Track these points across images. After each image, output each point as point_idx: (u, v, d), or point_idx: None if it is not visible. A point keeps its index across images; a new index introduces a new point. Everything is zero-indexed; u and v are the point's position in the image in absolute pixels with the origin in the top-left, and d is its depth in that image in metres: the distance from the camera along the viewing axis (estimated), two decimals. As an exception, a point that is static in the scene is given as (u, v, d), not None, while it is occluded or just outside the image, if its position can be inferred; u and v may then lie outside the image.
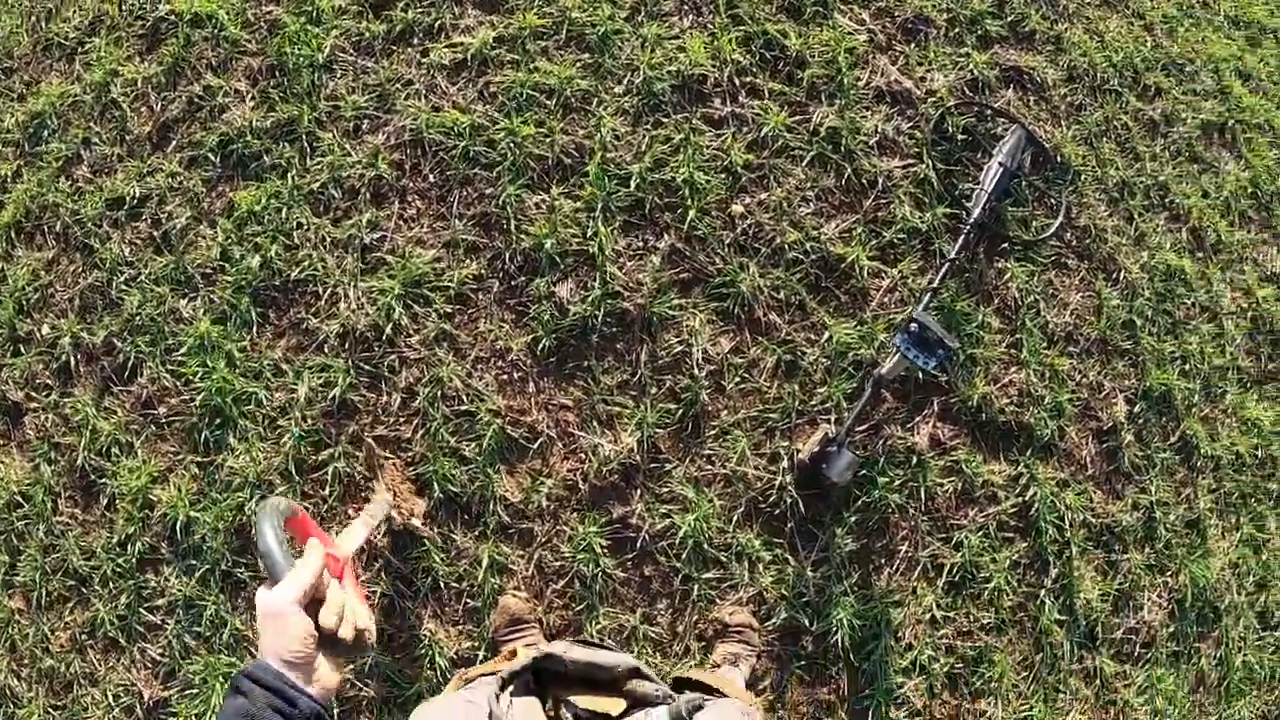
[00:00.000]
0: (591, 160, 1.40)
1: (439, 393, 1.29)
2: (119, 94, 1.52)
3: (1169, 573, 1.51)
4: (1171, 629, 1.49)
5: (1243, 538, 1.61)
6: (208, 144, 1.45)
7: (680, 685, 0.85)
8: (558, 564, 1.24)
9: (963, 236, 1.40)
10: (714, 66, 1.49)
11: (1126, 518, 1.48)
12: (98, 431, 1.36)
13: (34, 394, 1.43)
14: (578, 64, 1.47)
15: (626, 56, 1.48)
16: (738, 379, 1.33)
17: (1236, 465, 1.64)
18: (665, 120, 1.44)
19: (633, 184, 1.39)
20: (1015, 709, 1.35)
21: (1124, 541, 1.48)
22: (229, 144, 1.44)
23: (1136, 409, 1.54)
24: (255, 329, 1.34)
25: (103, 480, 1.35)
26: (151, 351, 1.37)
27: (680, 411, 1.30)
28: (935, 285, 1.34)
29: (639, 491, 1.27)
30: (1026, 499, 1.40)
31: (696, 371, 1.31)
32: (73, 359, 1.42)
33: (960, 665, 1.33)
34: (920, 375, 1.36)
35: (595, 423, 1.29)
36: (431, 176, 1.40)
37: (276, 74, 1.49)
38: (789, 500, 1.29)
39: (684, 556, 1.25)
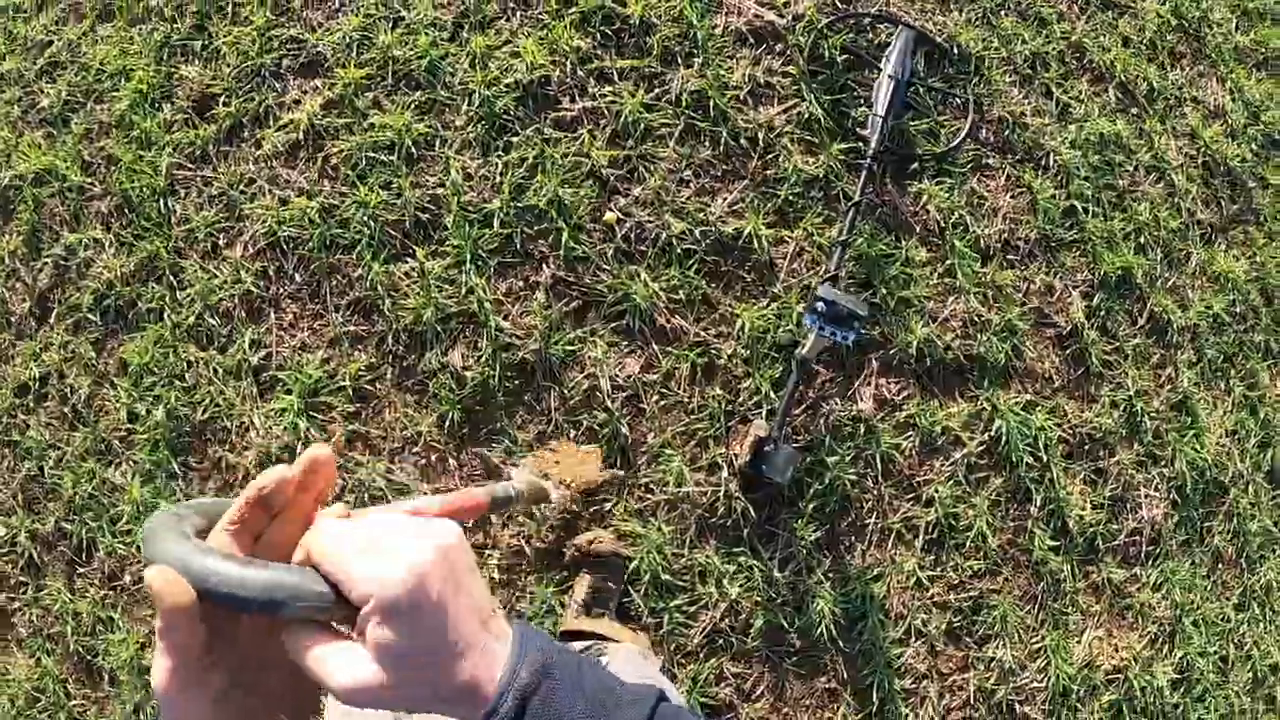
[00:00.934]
0: (448, 210, 1.25)
1: (365, 496, 1.21)
2: (-30, 273, 1.41)
3: (1162, 463, 1.38)
4: (1176, 519, 1.37)
5: (1235, 401, 1.46)
6: (84, 304, 1.34)
7: (570, 637, 0.77)
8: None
9: (864, 172, 1.22)
10: (554, 62, 1.30)
11: (1105, 420, 1.35)
12: (79, 614, 1.33)
13: (12, 594, 1.41)
14: (411, 106, 1.30)
15: (459, 81, 1.30)
16: (656, 397, 1.21)
17: (1215, 328, 1.47)
18: (515, 140, 1.28)
19: (496, 222, 1.24)
20: (1026, 644, 1.27)
21: (1108, 445, 1.35)
22: (103, 299, 1.34)
23: (1095, 302, 1.37)
24: (182, 478, 1.27)
25: (98, 659, 1.33)
26: (99, 526, 1.32)
27: (606, 449, 1.20)
28: (845, 238, 1.18)
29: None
30: (993, 433, 1.27)
31: (610, 403, 1.20)
32: (33, 552, 1.37)
33: (958, 618, 1.25)
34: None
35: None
36: (298, 276, 1.28)
37: (125, 212, 1.36)
38: (739, 508, 1.19)
39: (645, 591, 1.17)
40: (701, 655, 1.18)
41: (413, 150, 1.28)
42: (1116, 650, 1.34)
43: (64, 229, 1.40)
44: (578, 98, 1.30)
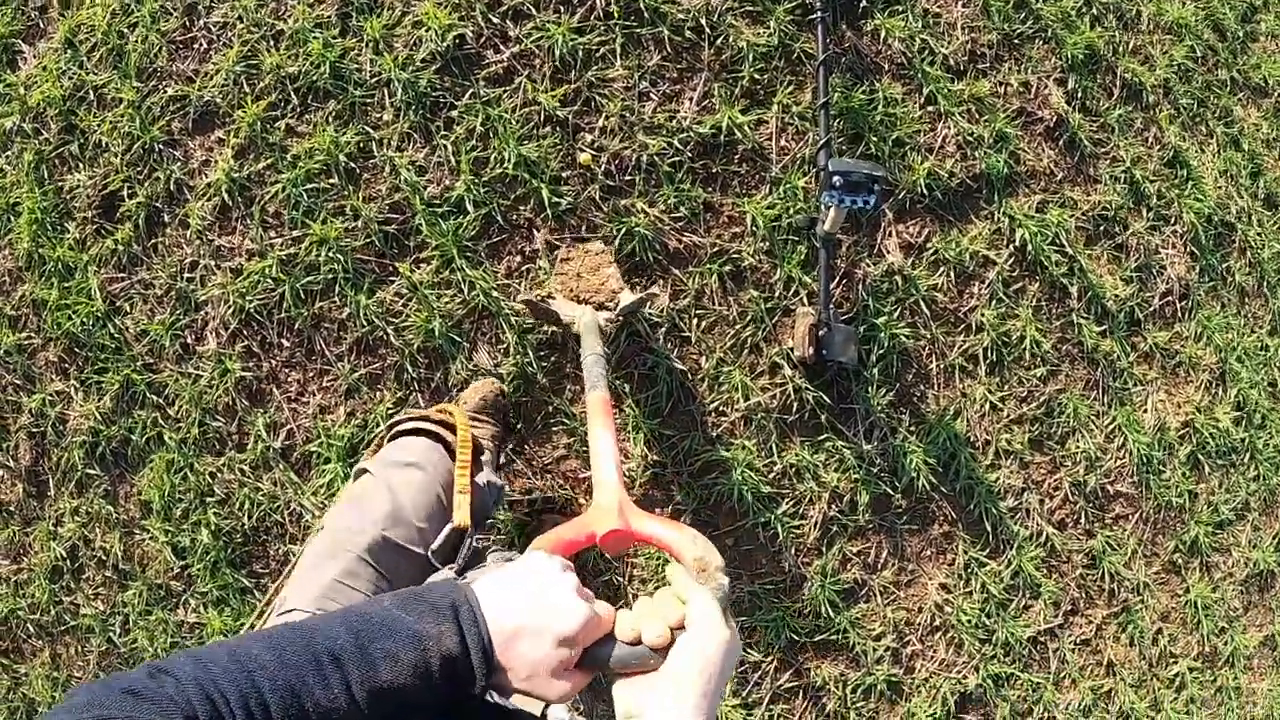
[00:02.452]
0: (413, 212, 1.09)
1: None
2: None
3: (1172, 221, 1.34)
4: (1198, 269, 1.35)
5: (1219, 141, 1.42)
6: (77, 462, 1.18)
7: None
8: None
9: (820, 25, 1.09)
10: (462, 17, 1.12)
11: (1112, 196, 1.29)
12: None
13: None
14: (329, 120, 1.11)
15: (370, 75, 1.11)
16: (694, 320, 1.11)
17: (1183, 75, 1.41)
18: (454, 114, 1.11)
19: (469, 206, 1.09)
20: (1101, 429, 1.25)
21: (1120, 220, 1.29)
22: (94, 448, 1.18)
23: (1071, 85, 1.29)
24: (255, 588, 1.14)
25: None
26: (172, 649, 1.19)
27: (662, 389, 1.10)
28: (824, 100, 1.06)
29: (674, 483, 1.11)
30: (1016, 243, 1.20)
31: (652, 344, 1.09)
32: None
33: (1035, 426, 1.22)
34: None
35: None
36: (285, 341, 1.12)
37: (76, 352, 1.18)
38: (811, 399, 1.11)
39: (746, 510, 1.10)
40: (821, 548, 1.13)
41: (350, 166, 1.11)
42: (1179, 407, 1.33)
43: (21, 395, 1.20)
44: (502, 46, 1.12)
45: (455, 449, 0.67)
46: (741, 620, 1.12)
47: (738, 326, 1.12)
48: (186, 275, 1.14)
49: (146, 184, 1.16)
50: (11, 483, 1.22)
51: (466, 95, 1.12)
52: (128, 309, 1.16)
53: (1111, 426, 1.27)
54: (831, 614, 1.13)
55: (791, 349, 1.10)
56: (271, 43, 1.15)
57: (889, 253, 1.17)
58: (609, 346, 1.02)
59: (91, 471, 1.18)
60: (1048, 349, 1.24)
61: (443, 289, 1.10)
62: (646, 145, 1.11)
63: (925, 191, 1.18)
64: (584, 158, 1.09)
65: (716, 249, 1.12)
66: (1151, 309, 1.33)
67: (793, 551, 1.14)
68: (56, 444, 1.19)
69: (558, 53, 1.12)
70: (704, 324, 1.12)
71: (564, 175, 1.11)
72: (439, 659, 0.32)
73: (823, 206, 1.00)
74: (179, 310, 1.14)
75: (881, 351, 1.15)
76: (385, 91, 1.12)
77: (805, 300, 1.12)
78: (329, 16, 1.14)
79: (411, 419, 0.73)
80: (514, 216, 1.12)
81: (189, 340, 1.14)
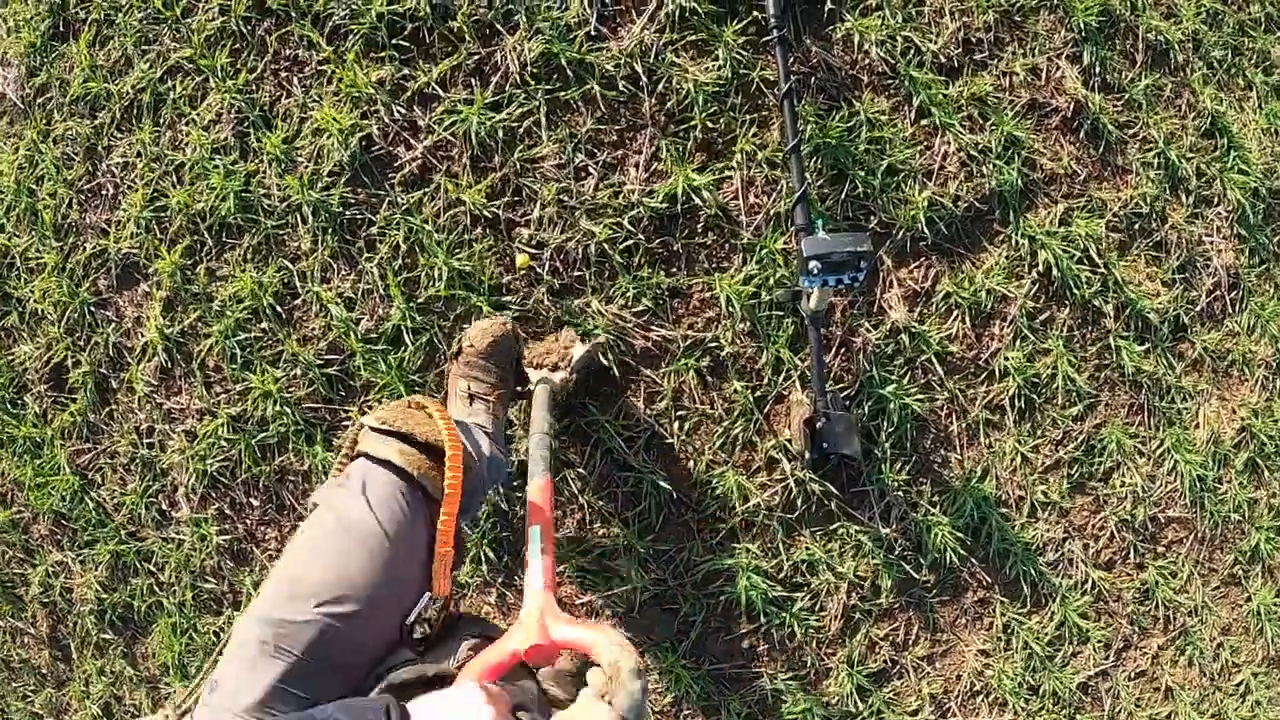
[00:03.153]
0: (351, 351, 0.85)
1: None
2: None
3: (1215, 203, 0.98)
4: (1246, 250, 0.99)
5: (1259, 93, 1.02)
6: (90, 629, 1.02)
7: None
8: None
9: (778, 44, 0.76)
10: (365, 114, 0.83)
11: (1146, 186, 0.93)
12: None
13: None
14: (246, 259, 0.86)
15: (278, 199, 0.84)
16: (675, 424, 0.85)
17: (1212, 22, 1.00)
18: (374, 230, 0.83)
19: (407, 337, 0.83)
20: (1149, 455, 0.96)
21: (1156, 213, 0.94)
22: (103, 614, 1.01)
23: (1087, 60, 0.91)
24: None
25: None
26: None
27: (650, 505, 0.85)
28: (793, 142, 0.74)
29: (678, 596, 0.88)
30: (1040, 268, 0.88)
31: (632, 460, 0.84)
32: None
33: (1074, 469, 0.93)
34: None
35: (604, 576, 0.87)
36: (254, 500, 0.91)
37: (64, 525, 1.00)
38: (817, 490, 0.86)
39: (758, 613, 0.87)
40: (845, 638, 0.91)
41: (277, 308, 0.85)
42: (1234, 412, 1.01)
43: (26, 567, 1.05)
44: (412, 140, 0.83)
45: (437, 476, 0.46)
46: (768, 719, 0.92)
47: (725, 424, 0.83)
48: (145, 442, 0.93)
49: (88, 350, 0.94)
50: (38, 648, 1.08)
51: (384, 207, 0.84)
52: (100, 480, 0.97)
53: (1160, 452, 0.97)
54: (861, 702, 0.92)
55: (789, 441, 0.84)
56: (174, 178, 0.89)
57: (891, 308, 0.86)
58: (562, 417, 0.76)
59: (106, 636, 1.01)
60: (1083, 382, 0.93)
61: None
62: (592, 232, 0.81)
63: (927, 227, 0.86)
64: (522, 259, 0.82)
65: (690, 340, 0.82)
66: (1198, 309, 0.99)
67: (814, 645, 0.91)
68: (69, 611, 1.02)
69: (475, 137, 0.82)
70: (687, 426, 0.83)
71: (505, 282, 0.84)
72: None
73: (804, 288, 0.72)
74: (147, 478, 0.93)
75: (892, 425, 0.87)
76: (297, 217, 0.85)
77: (798, 384, 0.83)
78: (225, 139, 0.87)
79: (385, 432, 0.48)
80: (457, 337, 0.87)
81: (163, 507, 0.94)
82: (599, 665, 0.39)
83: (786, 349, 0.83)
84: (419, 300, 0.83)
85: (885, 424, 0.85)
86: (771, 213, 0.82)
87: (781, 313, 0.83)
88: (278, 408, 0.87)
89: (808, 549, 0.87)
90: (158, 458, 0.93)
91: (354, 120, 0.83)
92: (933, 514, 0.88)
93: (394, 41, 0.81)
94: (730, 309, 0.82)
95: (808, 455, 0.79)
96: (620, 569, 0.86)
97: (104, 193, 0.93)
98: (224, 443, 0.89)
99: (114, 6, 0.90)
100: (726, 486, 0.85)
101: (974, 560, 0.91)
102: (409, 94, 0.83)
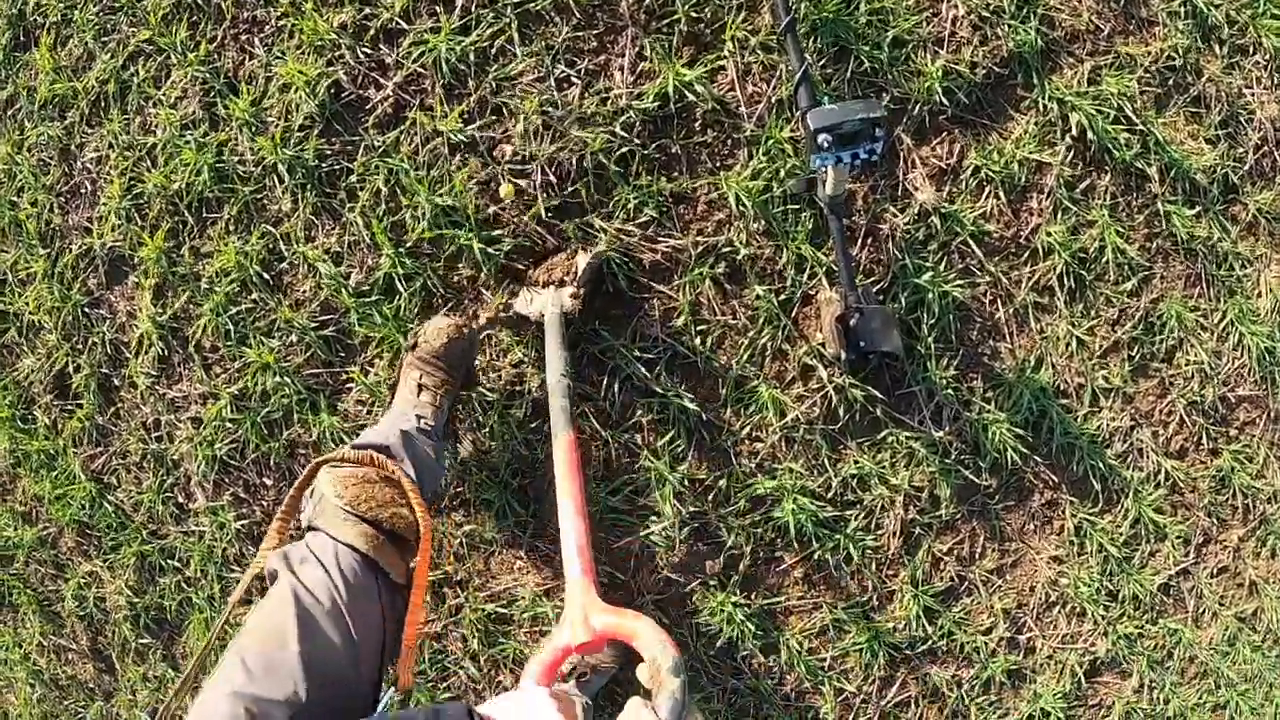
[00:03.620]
0: (345, 308, 0.73)
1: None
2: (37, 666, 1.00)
3: (1251, 51, 0.82)
4: (1296, 94, 0.83)
5: None
6: (128, 636, 0.92)
7: None
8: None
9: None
10: (330, 60, 0.71)
11: (1176, 37, 0.78)
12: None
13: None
14: (228, 228, 0.75)
15: (253, 163, 0.74)
16: (697, 340, 0.72)
17: None
18: (352, 179, 0.72)
19: (400, 284, 0.71)
20: (1212, 329, 0.80)
21: (1191, 65, 0.79)
22: (137, 619, 0.92)
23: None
24: None
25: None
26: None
27: (679, 430, 0.72)
28: (789, 18, 0.61)
29: (720, 529, 0.75)
30: (1074, 132, 0.74)
31: (655, 385, 0.71)
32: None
33: (1134, 350, 0.78)
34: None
35: (638, 515, 0.74)
36: (267, 480, 0.80)
37: (88, 534, 0.91)
38: (860, 396, 0.72)
39: (809, 538, 0.74)
40: (905, 557, 0.77)
41: (265, 275, 0.74)
42: (1299, 273, 0.86)
43: (59, 582, 0.95)
44: (382, 79, 0.71)
45: (398, 562, 0.43)
46: (830, 651, 0.79)
47: (750, 333, 0.70)
48: (155, 437, 0.82)
49: (86, 352, 0.84)
50: (82, 663, 0.99)
51: (360, 153, 0.72)
52: (115, 483, 0.87)
53: (1223, 325, 0.81)
54: (929, 624, 0.78)
55: (822, 345, 0.71)
56: (148, 162, 0.79)
57: (917, 189, 0.72)
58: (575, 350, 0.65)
59: (144, 641, 0.91)
60: (1134, 253, 0.77)
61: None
62: (583, 142, 0.68)
63: (946, 98, 0.72)
64: (506, 189, 0.68)
65: (702, 247, 0.69)
66: (1246, 167, 0.82)
67: (874, 568, 0.77)
68: (105, 621, 0.93)
69: (446, 65, 0.70)
70: (709, 341, 0.70)
71: (493, 214, 0.71)
72: None
73: (817, 170, 0.59)
74: (160, 472, 0.83)
75: (933, 315, 0.72)
76: (274, 178, 0.73)
77: (825, 280, 0.69)
78: (193, 113, 0.76)
79: (350, 513, 0.43)
80: (453, 278, 0.74)
81: (180, 500, 0.84)
82: (643, 659, 0.38)
83: (807, 244, 0.69)
84: (407, 245, 0.71)
85: (926, 316, 0.71)
86: (773, 100, 0.69)
87: (797, 205, 0.69)
88: (278, 379, 0.75)
89: (856, 462, 0.73)
90: (167, 450, 0.83)
91: (319, 69, 0.71)
92: (988, 411, 0.74)
93: (351, -24, 0.69)
94: (741, 208, 0.68)
95: (845, 357, 0.65)
96: (654, 505, 0.73)
97: (82, 191, 0.83)
98: (229, 424, 0.79)
99: (70, 4, 0.80)
100: (760, 402, 0.71)
101: (1037, 459, 0.77)
102: (372, 33, 0.71)
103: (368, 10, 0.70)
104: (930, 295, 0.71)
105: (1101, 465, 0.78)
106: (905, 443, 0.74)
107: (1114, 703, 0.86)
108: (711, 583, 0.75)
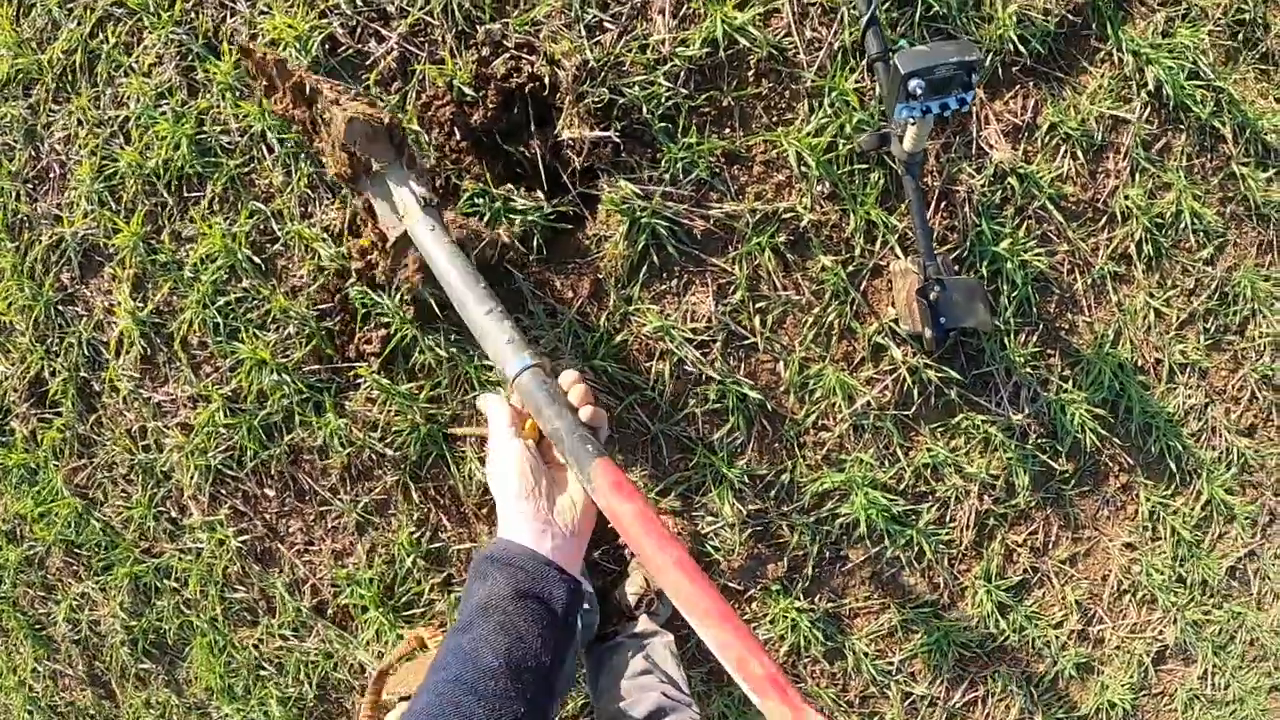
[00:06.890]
0: (346, 292, 0.58)
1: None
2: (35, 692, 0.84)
3: None
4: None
5: None
6: (125, 661, 0.77)
7: None
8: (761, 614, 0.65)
9: None
10: (324, 14, 0.56)
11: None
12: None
13: None
14: (214, 206, 0.59)
15: (238, 130, 0.58)
16: (756, 319, 0.58)
17: None
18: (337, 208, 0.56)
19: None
20: (1284, 297, 0.69)
21: (1259, 19, 0.67)
22: (135, 643, 0.76)
23: None
24: None
25: None
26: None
27: (738, 421, 0.59)
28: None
29: (784, 526, 0.62)
30: (1150, 87, 0.61)
31: (708, 369, 0.57)
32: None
33: (1210, 322, 0.66)
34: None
35: (693, 514, 0.61)
36: (269, 491, 0.64)
37: (76, 553, 0.75)
38: (935, 378, 0.59)
39: (880, 534, 0.61)
40: (979, 550, 0.64)
41: (255, 260, 0.59)
42: (1362, 240, 0.75)
43: (49, 605, 0.79)
44: (384, 30, 0.56)
45: None
46: (898, 655, 0.66)
47: (815, 310, 0.56)
48: (142, 445, 0.66)
49: (62, 354, 0.67)
50: (80, 689, 0.82)
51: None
52: (102, 498, 0.71)
53: (1295, 292, 0.71)
54: (1002, 619, 0.66)
55: (896, 321, 0.58)
56: (120, 139, 0.62)
57: (993, 146, 0.58)
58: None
59: (144, 666, 0.76)
60: (1211, 217, 0.65)
61: (418, 376, 0.61)
62: (622, 91, 0.54)
63: (1019, 44, 0.59)
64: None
65: (760, 214, 0.55)
66: None
67: (946, 563, 0.65)
68: (101, 645, 0.77)
69: (459, 10, 0.56)
70: (770, 320, 0.56)
71: (519, 172, 0.58)
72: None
73: (897, 122, 0.46)
74: (149, 485, 0.67)
75: (1012, 285, 0.59)
76: (262, 148, 0.58)
77: (898, 249, 0.56)
78: (169, 79, 0.60)
79: None
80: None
81: (173, 515, 0.69)
82: None
83: (878, 209, 0.56)
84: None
85: (1004, 288, 0.58)
86: (836, 47, 0.55)
87: (866, 165, 0.56)
88: (275, 376, 0.60)
89: (929, 450, 0.60)
90: (156, 460, 0.67)
91: (311, 22, 0.55)
92: (1066, 390, 0.62)
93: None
94: (803, 168, 0.55)
95: (927, 334, 0.52)
96: (711, 504, 0.59)
97: (50, 175, 0.66)
98: (223, 430, 0.63)
99: (33, -33, 0.63)
100: (827, 387, 0.58)
101: (1115, 440, 0.65)
102: (372, -22, 0.55)
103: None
104: (1009, 264, 0.58)
105: (1178, 445, 0.66)
106: (981, 428, 0.61)
107: (1177, 690, 0.75)
108: (774, 587, 0.61)
